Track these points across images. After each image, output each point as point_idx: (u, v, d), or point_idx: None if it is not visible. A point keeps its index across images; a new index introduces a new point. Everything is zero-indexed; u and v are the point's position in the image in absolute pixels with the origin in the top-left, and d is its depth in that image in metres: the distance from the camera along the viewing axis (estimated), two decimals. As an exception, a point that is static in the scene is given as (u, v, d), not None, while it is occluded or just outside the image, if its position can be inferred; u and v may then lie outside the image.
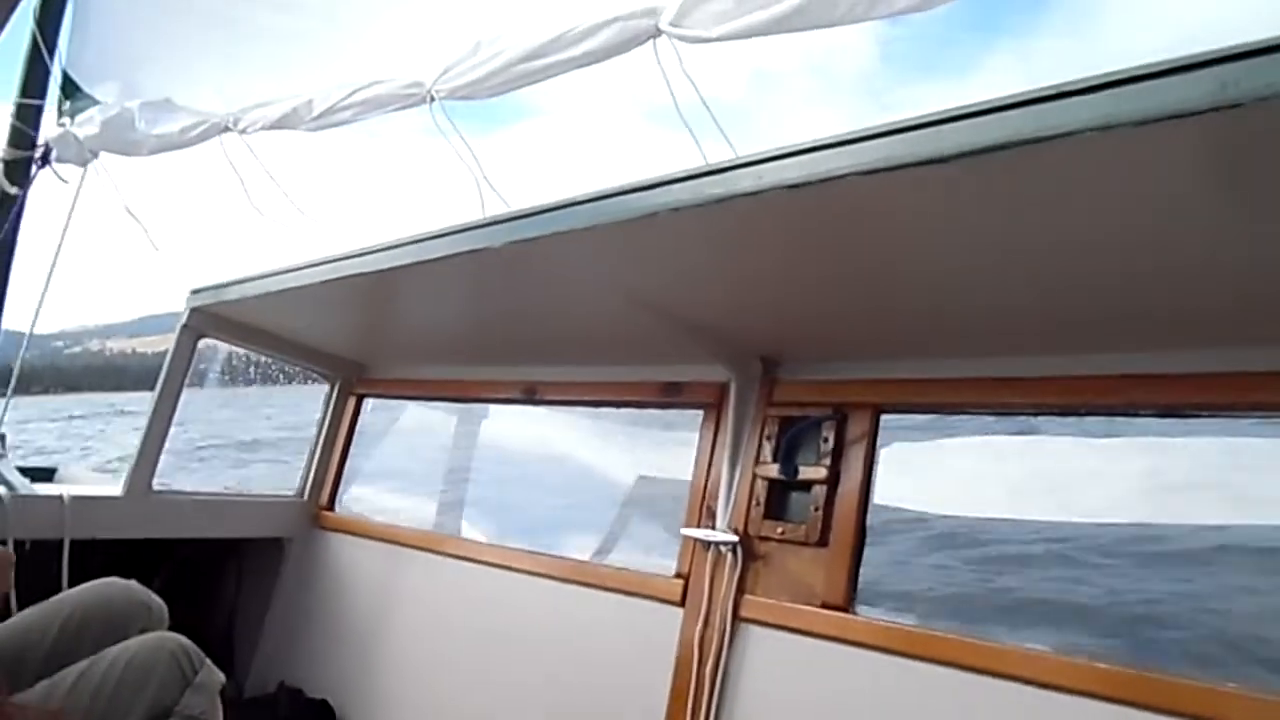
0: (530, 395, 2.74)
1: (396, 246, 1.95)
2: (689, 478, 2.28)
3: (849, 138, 1.21)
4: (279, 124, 2.67)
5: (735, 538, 2.06)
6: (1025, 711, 1.58)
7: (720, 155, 1.56)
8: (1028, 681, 1.58)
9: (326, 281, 2.15)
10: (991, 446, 2.33)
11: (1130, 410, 1.68)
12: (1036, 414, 1.82)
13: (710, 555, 2.11)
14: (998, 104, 1.08)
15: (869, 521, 1.94)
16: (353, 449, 3.28)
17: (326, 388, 3.28)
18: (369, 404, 3.36)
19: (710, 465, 2.22)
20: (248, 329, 2.89)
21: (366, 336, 3.05)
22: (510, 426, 3.53)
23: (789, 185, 1.26)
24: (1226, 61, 0.91)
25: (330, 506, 3.20)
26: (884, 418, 1.99)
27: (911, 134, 1.15)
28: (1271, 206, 1.12)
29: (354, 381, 3.29)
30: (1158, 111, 0.94)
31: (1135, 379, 1.64)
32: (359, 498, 3.35)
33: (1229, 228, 1.19)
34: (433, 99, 2.27)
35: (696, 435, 2.30)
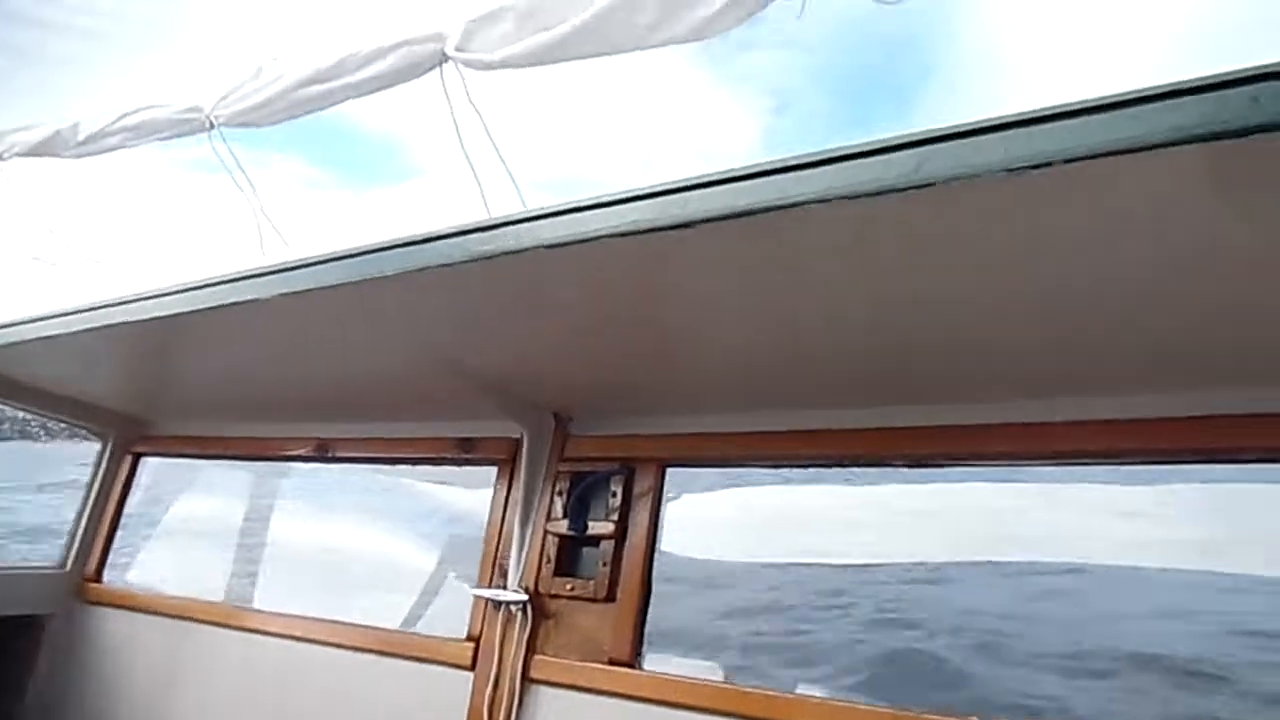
0: (323, 453, 2.62)
1: (165, 295, 1.82)
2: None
3: (605, 200, 1.25)
4: (39, 149, 2.46)
5: (525, 596, 2.03)
6: None
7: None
8: None
9: (89, 330, 1.98)
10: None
11: (885, 461, 1.81)
12: (809, 465, 1.91)
13: (501, 615, 2.07)
14: (738, 173, 1.14)
15: (654, 575, 1.96)
16: (129, 514, 3.01)
17: (98, 445, 3.00)
18: (149, 464, 3.11)
19: (503, 522, 2.19)
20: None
21: (144, 390, 2.82)
22: (308, 486, 3.35)
23: (547, 245, 1.29)
24: (924, 144, 1.01)
25: (98, 578, 2.90)
26: (671, 471, 2.04)
27: (661, 199, 1.20)
28: (966, 278, 1.23)
29: (130, 439, 3.03)
30: (860, 188, 1.03)
31: (893, 431, 1.76)
32: (134, 567, 3.06)
33: (947, 299, 1.31)
34: (212, 125, 2.15)
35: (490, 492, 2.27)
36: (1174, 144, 0.84)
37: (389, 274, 1.46)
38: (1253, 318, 1.25)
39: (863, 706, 1.61)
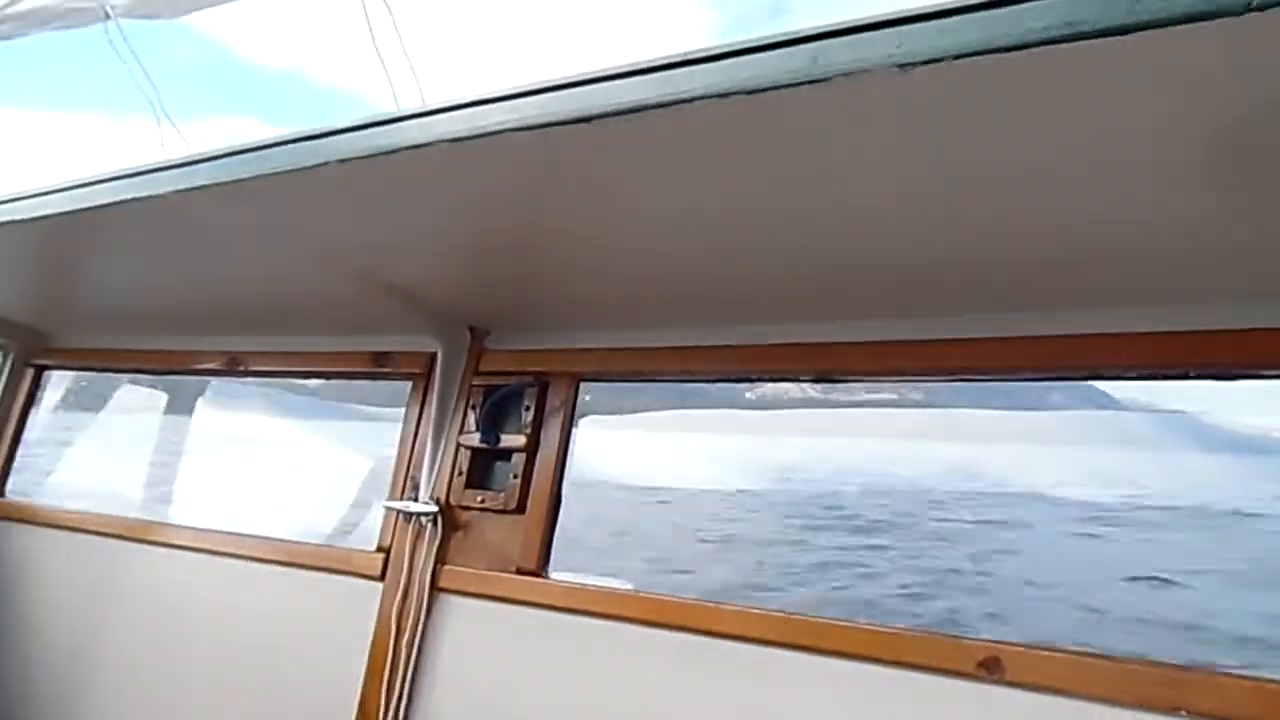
0: (234, 367, 2.56)
1: (53, 192, 1.74)
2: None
3: (508, 93, 1.22)
4: (-78, 43, 2.29)
5: (436, 508, 2.04)
6: (697, 656, 1.68)
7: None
8: (704, 633, 1.68)
9: None
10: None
11: (791, 376, 1.84)
12: (715, 380, 1.94)
13: (412, 527, 2.07)
14: (638, 67, 1.12)
15: (564, 488, 1.98)
16: (31, 428, 2.91)
17: (-4, 357, 2.89)
18: (53, 378, 3.00)
19: (416, 436, 2.18)
20: None
21: (45, 300, 2.71)
22: (225, 402, 3.29)
23: (449, 139, 1.25)
24: (819, 39, 1.00)
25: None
26: (584, 385, 2.04)
27: (564, 92, 1.17)
28: (874, 185, 1.24)
29: (31, 351, 2.92)
30: (753, 83, 1.02)
31: (793, 348, 1.79)
32: (38, 483, 2.98)
33: (859, 210, 1.32)
34: (108, 15, 2.03)
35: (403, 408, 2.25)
36: (1049, 43, 0.84)
37: (285, 169, 1.41)
38: (1145, 230, 1.28)
39: (776, 613, 1.66)
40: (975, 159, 1.13)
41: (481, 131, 1.22)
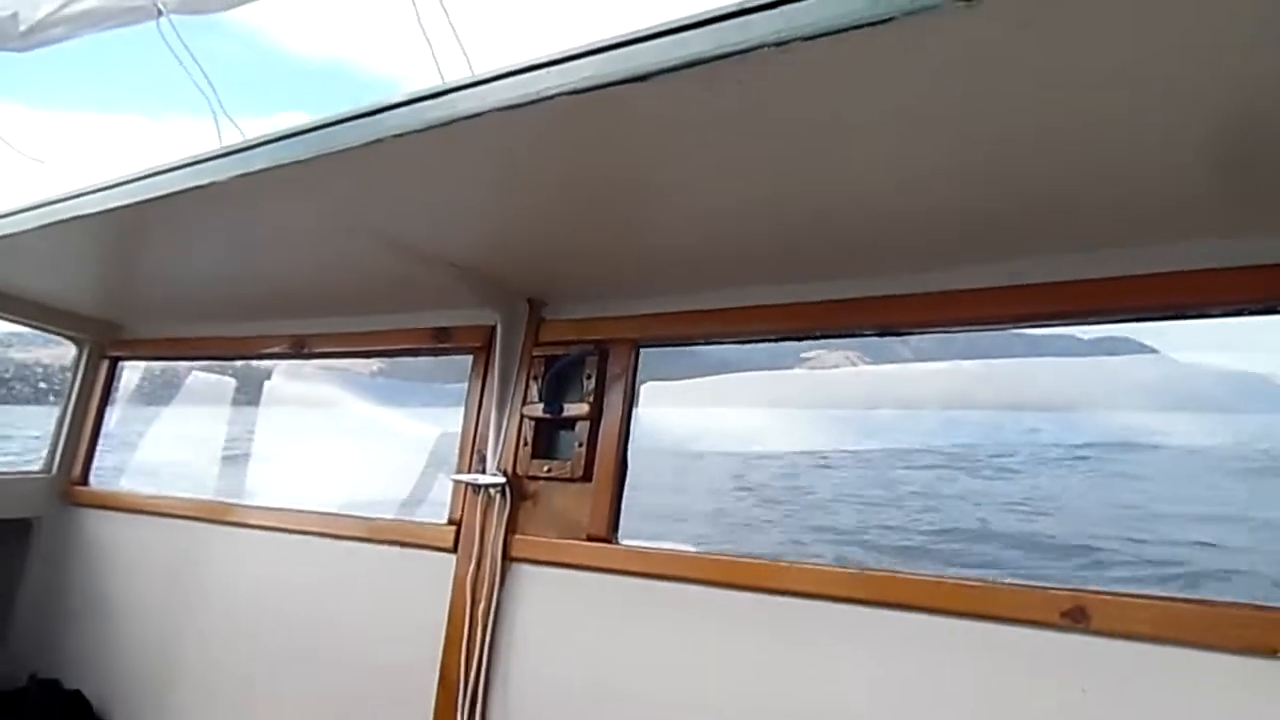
0: (299, 349, 2.61)
1: (119, 184, 1.78)
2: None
3: (559, 57, 1.20)
4: (-22, 44, 2.35)
5: (504, 479, 2.06)
6: (770, 615, 1.68)
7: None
8: (777, 592, 1.68)
9: (45, 226, 1.94)
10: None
11: (853, 331, 1.80)
12: (776, 339, 1.91)
13: (481, 499, 2.09)
14: (692, 20, 1.09)
15: (629, 454, 1.98)
16: (111, 418, 3.02)
17: (74, 351, 2.99)
18: (129, 369, 3.10)
19: (480, 410, 2.20)
20: None
21: (115, 292, 2.79)
22: (295, 386, 3.36)
23: (505, 107, 1.24)
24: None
25: (84, 481, 2.93)
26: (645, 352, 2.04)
27: (614, 52, 1.15)
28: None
29: (106, 343, 3.01)
30: (820, 26, 0.99)
31: (853, 303, 1.75)
32: (120, 470, 3.09)
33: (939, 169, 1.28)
34: (161, 12, 2.06)
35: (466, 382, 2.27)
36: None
37: (342, 148, 1.42)
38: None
39: (847, 569, 1.65)
40: (1030, 104, 1.09)
41: (534, 97, 1.21)
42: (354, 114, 1.42)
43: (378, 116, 1.39)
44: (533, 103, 1.21)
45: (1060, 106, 1.09)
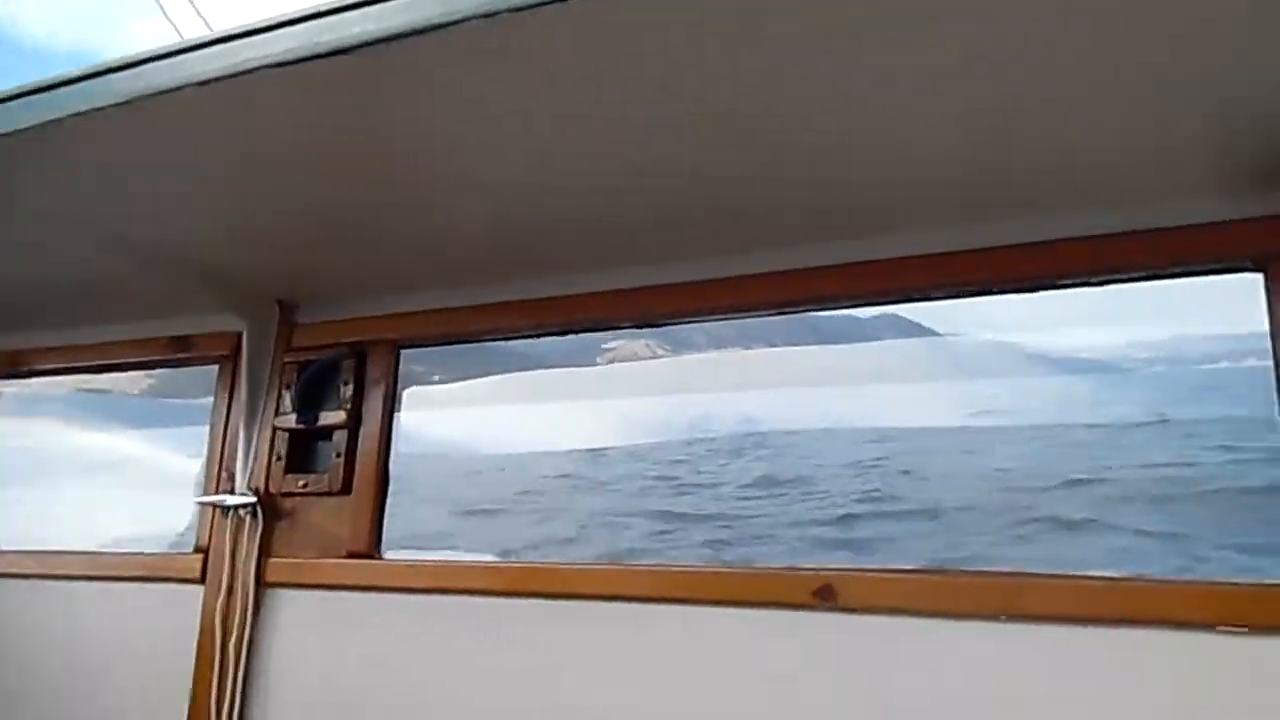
0: (15, 367, 2.29)
1: None
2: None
3: (259, 26, 1.09)
4: None
5: (254, 498, 1.88)
6: (541, 620, 1.62)
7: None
8: (542, 595, 1.62)
9: None
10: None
11: (616, 323, 1.78)
12: (541, 334, 1.85)
13: (230, 521, 1.90)
14: None
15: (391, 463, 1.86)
16: None
17: None
18: None
19: (227, 424, 2.00)
20: None
21: None
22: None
23: (200, 82, 1.11)
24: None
25: None
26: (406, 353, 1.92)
27: (317, 22, 1.05)
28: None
29: None
30: None
31: (618, 294, 1.72)
32: None
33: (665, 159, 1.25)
34: None
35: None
36: None
37: (24, 126, 1.23)
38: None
39: (611, 568, 1.61)
40: (765, 90, 1.08)
41: (232, 70, 1.09)
42: (33, 88, 1.24)
43: (59, 90, 1.21)
44: (231, 76, 1.09)
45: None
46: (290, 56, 1.06)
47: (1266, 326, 1.27)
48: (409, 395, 1.93)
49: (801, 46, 0.99)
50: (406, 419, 1.90)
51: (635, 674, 1.54)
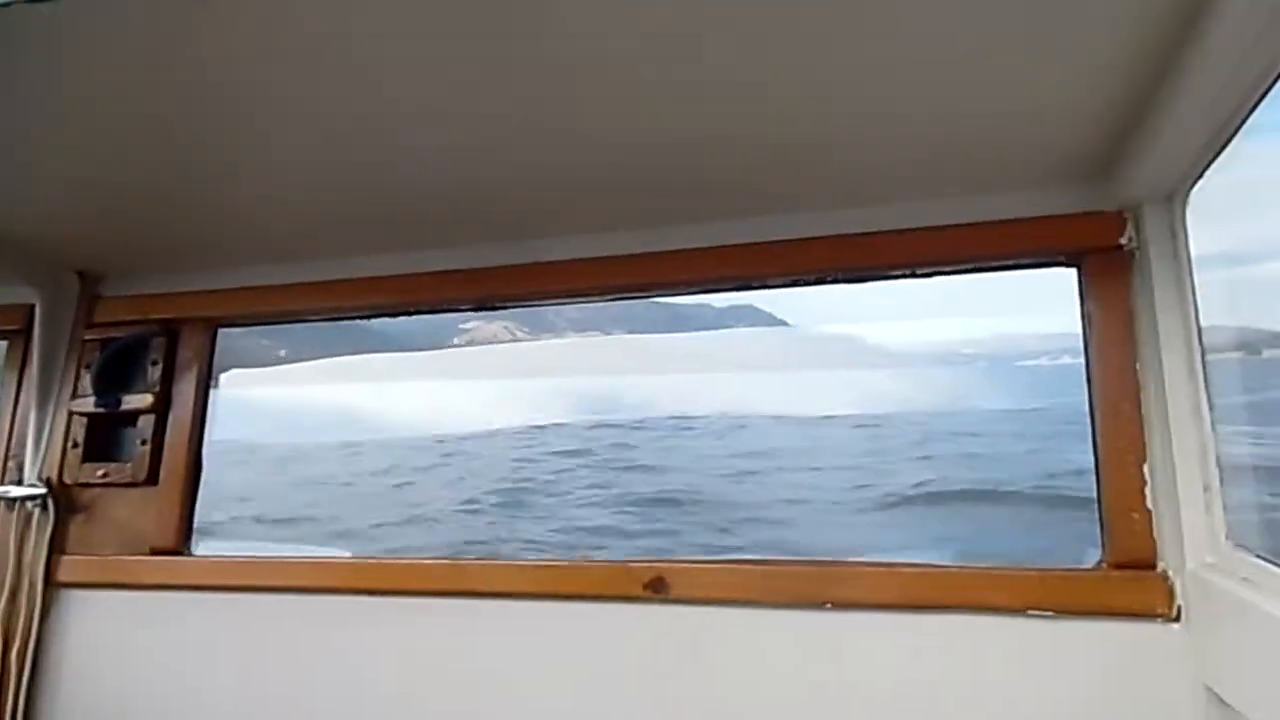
0: None
1: None
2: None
3: None
4: None
5: (44, 489, 1.70)
6: (355, 616, 1.53)
7: None
8: (355, 591, 1.53)
9: None
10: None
11: (451, 305, 1.69)
12: (372, 315, 1.74)
13: (16, 516, 1.71)
14: None
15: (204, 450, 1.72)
16: None
17: None
18: None
19: (16, 407, 1.80)
20: None
21: None
22: None
23: None
24: None
25: None
26: (224, 332, 1.78)
27: None
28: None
29: None
30: None
31: (453, 274, 1.63)
32: None
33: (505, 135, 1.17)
34: None
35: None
36: None
37: None
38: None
39: (437, 561, 1.53)
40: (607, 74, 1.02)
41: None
42: None
43: None
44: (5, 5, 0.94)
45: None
46: None
47: (1078, 321, 1.31)
48: (227, 378, 1.78)
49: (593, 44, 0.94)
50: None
51: (464, 670, 1.47)
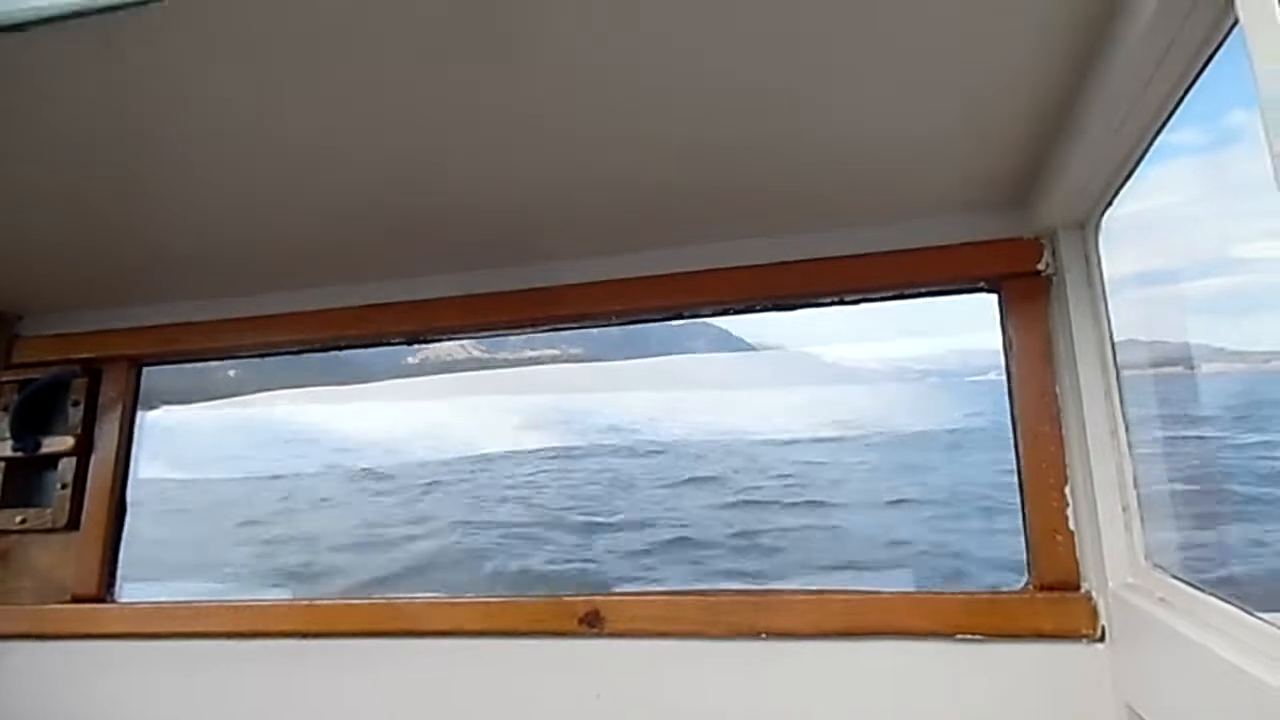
0: None
1: None
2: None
3: None
4: None
5: (-42, 539, 1.63)
6: (294, 660, 1.49)
7: None
8: (290, 635, 1.49)
9: None
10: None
11: (384, 340, 1.67)
12: (301, 351, 1.71)
13: (-73, 566, 1.65)
14: None
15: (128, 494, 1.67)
16: None
17: None
18: None
19: None
20: None
21: None
22: None
23: None
24: None
25: None
26: (147, 370, 1.73)
27: None
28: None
29: None
30: None
31: (386, 308, 1.61)
32: None
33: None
34: None
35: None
36: None
37: None
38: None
39: (373, 601, 1.50)
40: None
41: None
42: None
43: None
44: None
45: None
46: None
47: (1000, 344, 1.34)
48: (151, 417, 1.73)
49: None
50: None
51: (404, 711, 1.44)
